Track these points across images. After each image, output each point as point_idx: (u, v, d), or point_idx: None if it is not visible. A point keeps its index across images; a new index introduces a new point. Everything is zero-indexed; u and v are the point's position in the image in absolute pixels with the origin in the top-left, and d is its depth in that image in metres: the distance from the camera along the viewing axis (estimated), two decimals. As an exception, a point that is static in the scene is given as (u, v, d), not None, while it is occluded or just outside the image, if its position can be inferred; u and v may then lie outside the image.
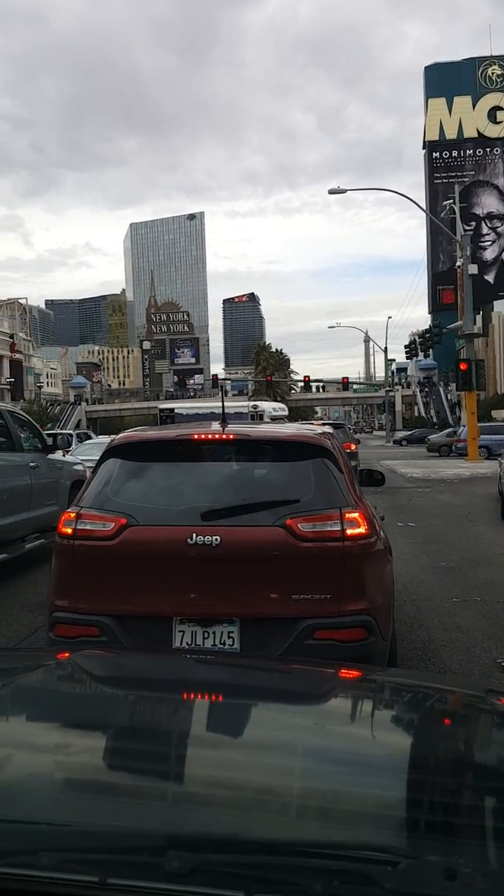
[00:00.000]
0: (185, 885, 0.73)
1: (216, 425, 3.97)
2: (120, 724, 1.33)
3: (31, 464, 8.03)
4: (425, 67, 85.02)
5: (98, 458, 3.86)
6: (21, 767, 1.09)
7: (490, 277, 74.48)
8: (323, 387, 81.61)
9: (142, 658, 2.02)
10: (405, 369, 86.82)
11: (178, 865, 0.75)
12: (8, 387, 68.45)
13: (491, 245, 77.75)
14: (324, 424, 6.19)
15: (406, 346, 72.44)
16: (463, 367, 26.90)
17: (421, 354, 68.39)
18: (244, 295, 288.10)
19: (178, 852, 0.78)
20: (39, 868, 0.75)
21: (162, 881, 0.73)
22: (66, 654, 2.00)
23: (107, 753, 1.19)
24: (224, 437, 3.73)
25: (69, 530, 3.45)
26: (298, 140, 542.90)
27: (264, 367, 79.14)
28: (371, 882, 0.75)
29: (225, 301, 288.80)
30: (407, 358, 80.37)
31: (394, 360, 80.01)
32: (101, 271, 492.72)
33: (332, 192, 28.76)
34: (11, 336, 73.48)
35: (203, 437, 3.76)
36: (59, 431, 26.28)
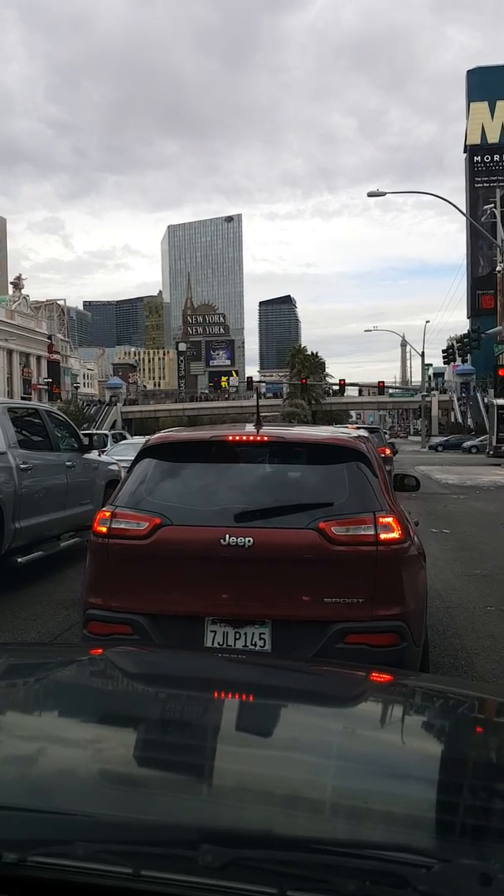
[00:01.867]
0: (219, 879, 0.73)
1: (250, 427, 3.98)
2: (153, 720, 1.35)
3: (68, 463, 8.15)
4: (468, 71, 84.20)
5: (132, 458, 3.90)
6: (56, 760, 1.11)
7: (531, 282, 73.04)
8: (359, 390, 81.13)
9: (173, 656, 2.04)
10: (442, 374, 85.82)
11: (211, 859, 0.75)
12: (46, 387, 69.53)
13: (532, 249, 76.34)
14: (358, 428, 6.15)
15: (443, 351, 71.56)
16: (501, 373, 26.50)
17: (459, 360, 67.49)
18: (279, 297, 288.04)
19: (211, 846, 0.78)
20: (75, 858, 0.76)
21: (195, 875, 0.74)
22: (100, 651, 2.03)
23: (140, 748, 1.20)
24: (258, 438, 3.74)
25: (104, 529, 3.49)
26: (339, 143, 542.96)
27: (299, 370, 78.91)
28: (404, 884, 0.74)
29: (261, 303, 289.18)
30: (444, 363, 79.39)
31: (431, 364, 79.15)
32: (139, 273, 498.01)
33: (370, 194, 28.60)
34: (50, 337, 74.65)
35: (237, 438, 3.77)
36: (94, 432, 26.62)
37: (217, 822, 0.89)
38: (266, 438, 3.74)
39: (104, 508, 3.66)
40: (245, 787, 1.04)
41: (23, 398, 56.72)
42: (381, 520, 3.32)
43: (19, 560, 6.90)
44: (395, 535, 3.33)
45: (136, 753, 1.18)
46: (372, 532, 3.28)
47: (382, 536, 3.28)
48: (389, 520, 3.35)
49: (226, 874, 0.74)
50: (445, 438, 59.57)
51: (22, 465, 6.95)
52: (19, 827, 0.84)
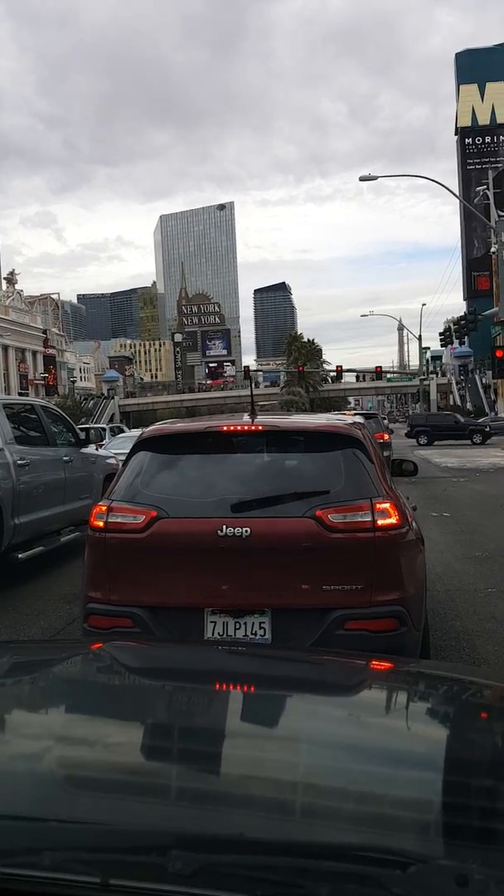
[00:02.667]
0: (189, 886, 0.71)
1: (246, 416, 3.97)
2: (142, 717, 1.32)
3: (65, 458, 8.13)
4: (456, 54, 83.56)
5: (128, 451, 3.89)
6: (26, 762, 1.08)
7: (526, 262, 72.74)
8: (357, 376, 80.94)
9: (173, 648, 2.04)
10: (440, 357, 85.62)
11: (181, 866, 0.73)
12: (42, 382, 69.37)
13: (526, 229, 75.99)
14: (355, 414, 6.13)
15: (441, 334, 71.33)
16: (499, 354, 26.46)
17: (456, 342, 67.29)
18: (273, 285, 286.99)
19: (181, 852, 0.76)
20: (41, 868, 0.74)
21: (164, 882, 0.72)
22: (100, 645, 2.03)
23: (122, 747, 1.18)
24: (253, 428, 3.73)
25: (101, 523, 3.48)
26: (329, 129, 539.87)
27: (296, 358, 78.61)
28: (379, 885, 0.72)
29: (256, 291, 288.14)
30: (442, 346, 79.16)
31: (428, 348, 78.87)
32: (133, 264, 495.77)
33: (363, 178, 28.45)
34: (45, 331, 74.40)
35: (232, 428, 3.76)
36: (92, 425, 26.59)
37: (189, 826, 0.86)
38: (261, 428, 3.73)
39: (101, 503, 3.66)
40: (220, 789, 1.01)
41: (20, 394, 56.63)
42: (377, 506, 3.31)
43: (20, 556, 6.91)
44: (393, 520, 3.32)
45: (114, 754, 1.15)
46: (369, 518, 3.28)
47: (380, 522, 3.28)
48: (386, 505, 3.34)
49: (196, 881, 0.72)
50: (444, 422, 59.42)
51: (19, 462, 6.93)
52: None
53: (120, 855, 0.78)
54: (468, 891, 0.73)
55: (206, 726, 1.29)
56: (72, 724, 1.30)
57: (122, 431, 25.73)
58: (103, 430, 21.87)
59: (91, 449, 9.46)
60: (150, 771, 1.07)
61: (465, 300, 79.81)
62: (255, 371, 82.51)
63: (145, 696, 1.49)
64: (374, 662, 1.74)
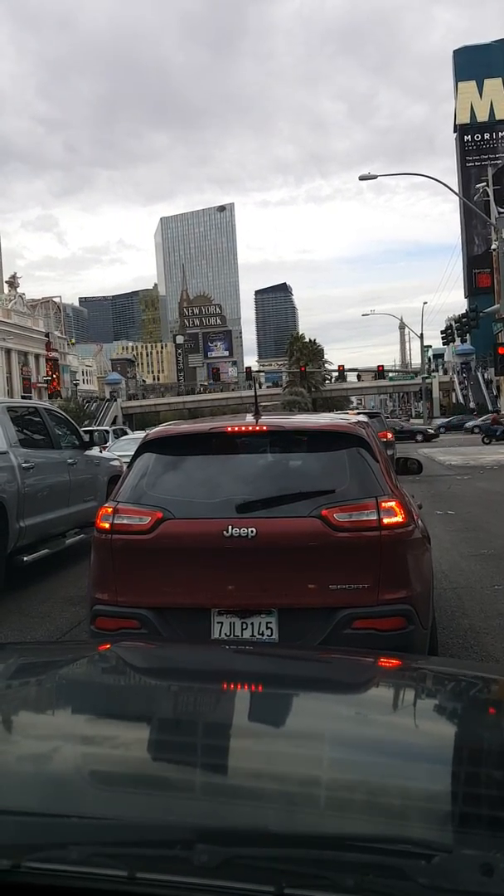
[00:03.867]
0: (215, 878, 0.71)
1: (249, 417, 3.96)
2: (155, 716, 1.33)
3: (69, 461, 8.14)
4: (454, 51, 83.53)
5: (133, 453, 3.89)
6: (51, 761, 1.10)
7: (527, 259, 72.68)
8: (359, 376, 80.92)
9: (181, 649, 2.04)
10: (442, 355, 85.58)
11: (207, 859, 0.74)
12: (45, 385, 69.48)
13: (527, 225, 75.93)
14: (358, 414, 6.13)
15: (442, 332, 71.20)
16: (501, 351, 26.43)
17: (458, 340, 67.17)
18: (274, 286, 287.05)
19: (207, 846, 0.77)
20: (69, 862, 0.75)
21: (191, 875, 0.72)
22: (107, 646, 2.03)
23: (140, 745, 1.19)
24: (257, 428, 3.73)
25: (107, 525, 3.49)
26: (329, 128, 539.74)
27: (298, 358, 78.67)
28: (405, 876, 0.72)
29: (257, 292, 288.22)
30: (444, 344, 79.06)
31: (430, 346, 78.72)
32: (135, 267, 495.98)
33: (362, 178, 28.43)
34: (47, 335, 74.53)
35: (237, 429, 3.76)
36: (95, 428, 26.62)
37: (213, 820, 0.87)
38: (265, 428, 3.73)
39: (106, 504, 3.66)
40: (241, 782, 1.02)
41: (23, 397, 56.71)
42: (383, 504, 3.31)
43: (25, 559, 6.91)
44: (399, 518, 3.32)
45: (133, 751, 1.16)
46: (375, 517, 3.27)
47: (385, 521, 3.27)
48: (392, 504, 3.34)
49: (222, 873, 0.72)
50: (447, 420, 59.42)
51: (24, 464, 6.94)
52: (13, 831, 0.82)
53: (146, 849, 0.79)
54: (494, 879, 0.73)
55: (222, 724, 1.30)
56: (91, 724, 1.31)
57: (125, 434, 25.73)
58: (106, 432, 21.89)
59: (95, 451, 9.48)
60: (173, 768, 1.09)
61: (466, 297, 79.75)
62: (257, 372, 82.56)
63: (159, 695, 1.49)
64: (382, 660, 1.74)
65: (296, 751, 1.15)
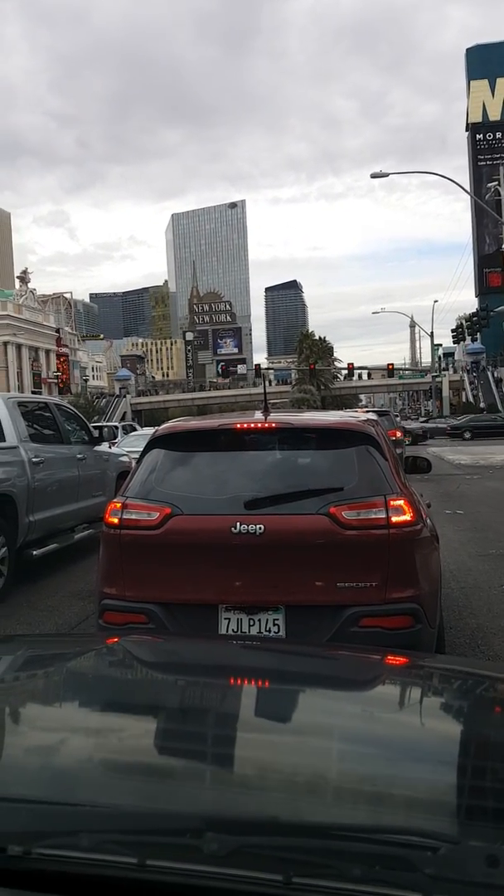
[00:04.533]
0: (224, 867, 0.72)
1: (258, 414, 3.97)
2: (160, 708, 1.35)
3: (79, 456, 8.18)
4: (467, 49, 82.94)
5: (142, 449, 3.91)
6: (64, 751, 1.11)
7: (539, 258, 72.31)
8: (368, 374, 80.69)
9: (188, 643, 2.05)
10: (452, 354, 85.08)
11: (216, 847, 0.75)
12: (55, 380, 69.70)
13: (539, 225, 75.52)
14: (368, 412, 6.12)
15: (453, 331, 71.05)
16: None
17: (468, 338, 66.95)
18: (284, 283, 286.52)
19: (216, 834, 0.78)
20: (80, 849, 0.75)
21: (200, 863, 0.73)
22: (115, 639, 2.04)
23: (147, 737, 1.20)
24: (266, 425, 3.73)
25: (115, 520, 3.50)
26: (341, 126, 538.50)
27: (307, 356, 78.46)
28: (411, 867, 0.73)
29: (267, 289, 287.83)
30: (454, 342, 78.81)
31: (440, 344, 78.27)
32: (145, 263, 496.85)
33: (374, 175, 28.28)
34: (57, 330, 74.75)
35: (245, 426, 3.76)
36: (105, 423, 26.65)
37: (221, 809, 0.89)
38: (274, 425, 3.73)
39: (115, 500, 3.67)
40: (250, 773, 1.03)
41: (33, 392, 56.90)
42: (392, 503, 3.31)
43: (34, 553, 6.95)
44: (407, 517, 3.32)
45: (142, 742, 1.17)
46: (383, 515, 3.27)
47: (394, 519, 3.27)
48: (401, 502, 3.33)
49: (231, 862, 0.73)
50: (457, 419, 59.17)
51: (34, 459, 6.98)
52: (25, 819, 0.83)
53: (155, 837, 0.80)
54: (499, 870, 0.74)
55: (229, 716, 1.31)
56: (101, 715, 1.32)
57: (135, 430, 25.79)
58: (116, 428, 21.92)
59: (104, 447, 9.51)
60: (182, 758, 1.10)
61: (476, 297, 79.39)
62: (266, 369, 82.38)
63: (167, 687, 1.51)
64: (390, 657, 1.74)
65: (303, 743, 1.16)
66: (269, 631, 3.26)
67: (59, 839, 0.78)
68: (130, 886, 0.73)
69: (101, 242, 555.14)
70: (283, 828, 0.82)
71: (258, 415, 3.95)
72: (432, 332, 62.65)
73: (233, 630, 3.27)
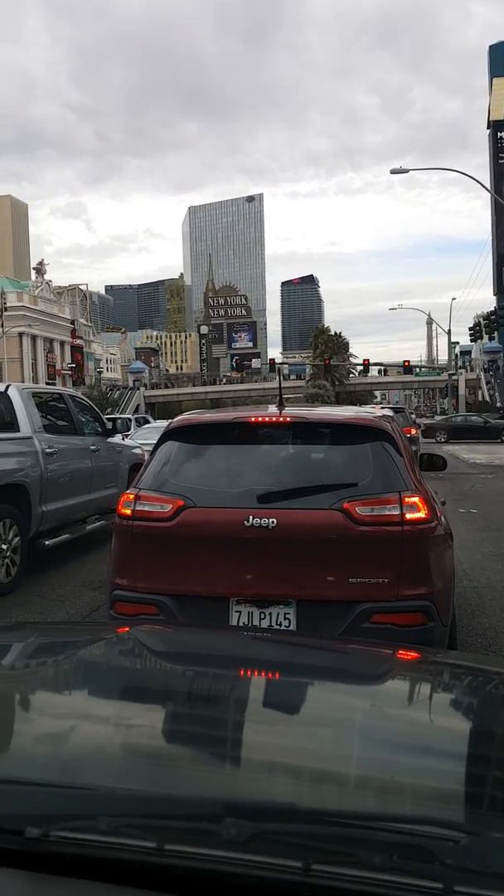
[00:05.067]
0: (243, 852, 0.72)
1: (273, 408, 3.95)
2: (178, 696, 1.35)
3: (92, 447, 8.20)
4: (490, 46, 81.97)
5: (156, 441, 3.91)
6: (80, 736, 1.12)
7: None
8: (384, 370, 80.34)
9: (199, 633, 2.05)
10: (469, 352, 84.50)
11: (235, 833, 0.75)
12: (70, 372, 70.02)
13: None
14: (383, 408, 6.09)
15: (470, 329, 70.46)
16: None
17: (486, 337, 66.46)
18: (300, 277, 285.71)
19: (235, 820, 0.77)
20: (98, 832, 0.76)
21: (219, 848, 0.73)
22: (126, 629, 2.05)
23: (164, 723, 1.21)
24: (281, 419, 3.71)
25: (128, 511, 3.50)
26: (362, 122, 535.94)
27: (322, 351, 78.30)
28: (432, 857, 0.73)
29: (283, 284, 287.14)
30: (471, 341, 78.20)
31: (457, 342, 77.53)
32: (161, 256, 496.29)
33: (393, 171, 28.11)
34: (72, 322, 75.03)
35: (260, 419, 3.75)
36: (118, 416, 26.74)
37: (241, 795, 0.89)
38: (289, 419, 3.71)
39: (128, 491, 3.68)
40: (269, 761, 1.03)
41: (47, 383, 57.22)
42: (406, 499, 3.28)
43: (47, 543, 6.99)
44: (422, 514, 3.29)
45: (160, 728, 1.18)
46: (397, 512, 3.25)
47: (408, 516, 3.25)
48: (415, 499, 3.31)
49: (250, 847, 0.73)
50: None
51: (48, 450, 7.01)
52: (43, 802, 0.84)
53: (174, 822, 0.80)
54: None
55: (246, 704, 1.31)
56: (115, 702, 1.33)
57: (148, 422, 25.84)
58: (129, 420, 21.98)
59: (117, 439, 9.53)
60: (200, 744, 1.10)
61: (494, 295, 78.69)
62: (280, 364, 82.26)
63: (180, 675, 1.51)
64: (402, 651, 1.73)
65: (319, 732, 1.16)
66: (280, 625, 3.26)
67: (76, 822, 0.78)
68: (148, 870, 0.73)
69: (118, 234, 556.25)
70: (301, 815, 0.82)
71: (272, 409, 3.93)
72: (449, 330, 62.20)
73: (243, 623, 3.27)
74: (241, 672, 1.51)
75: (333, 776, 0.97)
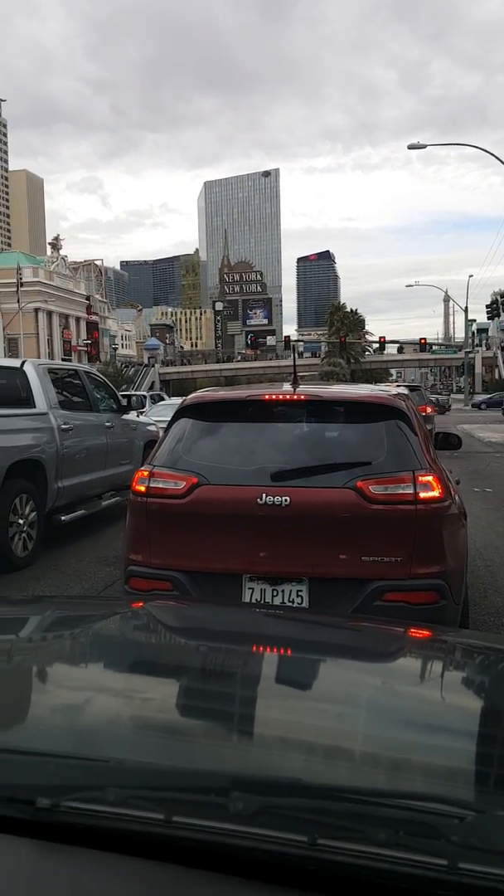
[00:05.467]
0: (249, 826, 0.73)
1: (287, 386, 3.94)
2: (189, 671, 1.37)
3: (107, 424, 8.23)
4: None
5: (170, 418, 3.91)
6: (94, 708, 1.14)
7: None
8: (400, 348, 79.66)
9: (212, 609, 2.07)
10: (486, 330, 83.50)
11: (242, 807, 0.75)
12: (85, 348, 70.03)
13: None
14: (398, 386, 6.04)
15: (488, 307, 69.59)
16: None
17: (503, 315, 65.56)
18: (317, 253, 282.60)
19: (242, 794, 0.78)
20: (107, 804, 0.77)
21: (226, 821, 0.74)
22: (140, 604, 2.07)
23: (175, 697, 1.22)
24: (295, 397, 3.70)
25: (142, 488, 3.53)
26: (380, 96, 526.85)
27: (338, 328, 77.59)
28: (437, 834, 0.73)
29: (299, 260, 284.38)
30: (488, 318, 77.32)
31: (474, 320, 76.60)
32: (177, 231, 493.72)
33: (411, 147, 27.61)
34: (88, 298, 74.86)
35: (274, 397, 3.74)
36: (133, 392, 26.76)
37: (248, 769, 0.90)
38: (303, 397, 3.70)
39: (143, 468, 3.69)
40: (277, 736, 1.04)
41: (63, 360, 57.31)
42: (420, 478, 3.27)
43: (63, 518, 7.06)
44: (436, 493, 3.28)
45: (171, 703, 1.19)
46: (411, 491, 3.24)
47: (422, 495, 3.24)
48: (429, 478, 3.30)
49: (257, 821, 0.74)
50: (489, 396, 58.27)
51: (63, 426, 7.05)
52: (54, 773, 0.85)
53: (182, 794, 0.81)
54: None
55: (256, 680, 1.32)
56: (127, 675, 1.34)
57: (162, 399, 25.84)
58: (144, 397, 22.00)
59: (132, 416, 9.56)
60: (209, 719, 1.11)
61: (514, 271, 77.45)
62: (296, 341, 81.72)
63: (192, 650, 1.53)
64: (414, 630, 1.74)
65: (328, 709, 1.17)
66: (292, 602, 3.28)
67: (86, 793, 0.79)
68: (156, 841, 0.74)
69: (133, 210, 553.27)
70: (308, 790, 0.83)
71: (287, 386, 3.92)
72: (466, 307, 61.42)
73: (256, 600, 3.29)
74: (252, 648, 1.52)
75: (340, 752, 0.98)
